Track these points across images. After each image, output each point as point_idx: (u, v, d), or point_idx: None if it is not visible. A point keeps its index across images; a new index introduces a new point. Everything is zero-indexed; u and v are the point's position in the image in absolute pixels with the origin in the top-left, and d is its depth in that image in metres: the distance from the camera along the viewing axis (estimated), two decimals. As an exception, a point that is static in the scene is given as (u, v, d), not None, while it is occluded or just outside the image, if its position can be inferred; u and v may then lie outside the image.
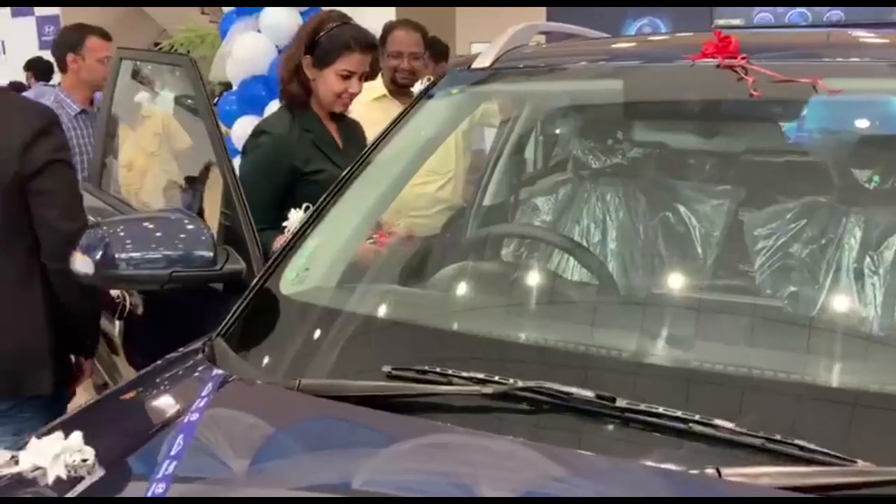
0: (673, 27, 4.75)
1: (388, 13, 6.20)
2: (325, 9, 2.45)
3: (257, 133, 2.24)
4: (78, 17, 9.79)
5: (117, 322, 2.04)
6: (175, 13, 10.37)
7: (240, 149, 3.96)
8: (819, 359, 1.20)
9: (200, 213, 2.16)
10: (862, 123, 1.85)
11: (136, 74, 3.15)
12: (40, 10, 7.97)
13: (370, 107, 2.89)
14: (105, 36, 3.64)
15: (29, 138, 1.78)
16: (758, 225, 1.94)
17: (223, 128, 4.46)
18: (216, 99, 5.05)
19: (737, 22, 4.54)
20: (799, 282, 1.79)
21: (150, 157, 3.45)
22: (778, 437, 0.95)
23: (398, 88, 3.06)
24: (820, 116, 1.81)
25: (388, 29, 3.05)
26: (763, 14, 4.53)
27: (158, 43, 8.88)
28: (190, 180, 2.54)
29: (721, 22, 4.57)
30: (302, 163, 2.17)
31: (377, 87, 2.99)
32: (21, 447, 1.05)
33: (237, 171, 2.21)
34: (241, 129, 3.98)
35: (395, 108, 3.00)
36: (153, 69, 2.97)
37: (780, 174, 2.00)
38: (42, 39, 7.94)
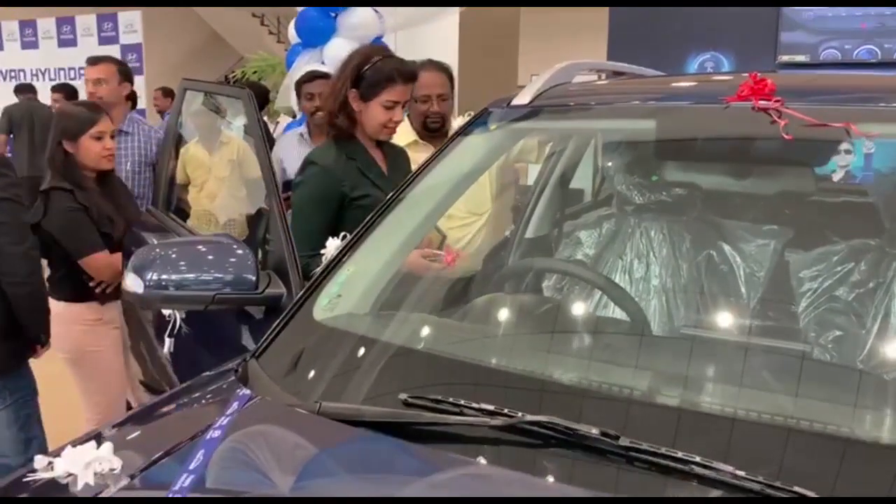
0: (737, 63, 4.69)
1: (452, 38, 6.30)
2: (367, 45, 2.53)
3: (305, 165, 2.36)
4: (160, 46, 10.27)
5: (167, 339, 2.13)
6: (253, 41, 10.79)
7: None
8: (854, 410, 1.18)
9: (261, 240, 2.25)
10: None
11: (211, 102, 3.30)
12: (125, 39, 8.41)
13: None
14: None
15: None
16: (804, 267, 1.91)
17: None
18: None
19: (801, 59, 4.47)
20: (845, 327, 1.75)
21: (221, 181, 3.61)
22: (778, 483, 0.95)
23: (429, 133, 3.00)
24: (864, 160, 1.78)
25: None
26: (829, 51, 4.43)
27: (234, 71, 9.25)
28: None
29: (785, 59, 4.51)
30: (349, 189, 2.28)
31: (408, 132, 2.95)
32: (57, 454, 1.13)
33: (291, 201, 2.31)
34: (304, 157, 4.10)
35: (427, 153, 3.02)
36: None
37: (827, 216, 1.97)
38: (126, 66, 8.35)
